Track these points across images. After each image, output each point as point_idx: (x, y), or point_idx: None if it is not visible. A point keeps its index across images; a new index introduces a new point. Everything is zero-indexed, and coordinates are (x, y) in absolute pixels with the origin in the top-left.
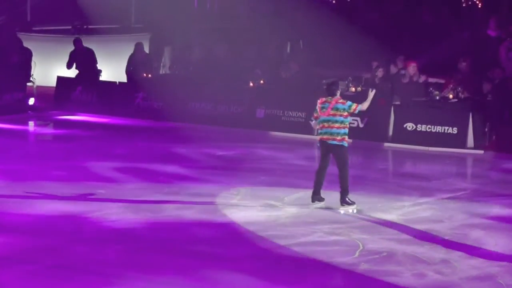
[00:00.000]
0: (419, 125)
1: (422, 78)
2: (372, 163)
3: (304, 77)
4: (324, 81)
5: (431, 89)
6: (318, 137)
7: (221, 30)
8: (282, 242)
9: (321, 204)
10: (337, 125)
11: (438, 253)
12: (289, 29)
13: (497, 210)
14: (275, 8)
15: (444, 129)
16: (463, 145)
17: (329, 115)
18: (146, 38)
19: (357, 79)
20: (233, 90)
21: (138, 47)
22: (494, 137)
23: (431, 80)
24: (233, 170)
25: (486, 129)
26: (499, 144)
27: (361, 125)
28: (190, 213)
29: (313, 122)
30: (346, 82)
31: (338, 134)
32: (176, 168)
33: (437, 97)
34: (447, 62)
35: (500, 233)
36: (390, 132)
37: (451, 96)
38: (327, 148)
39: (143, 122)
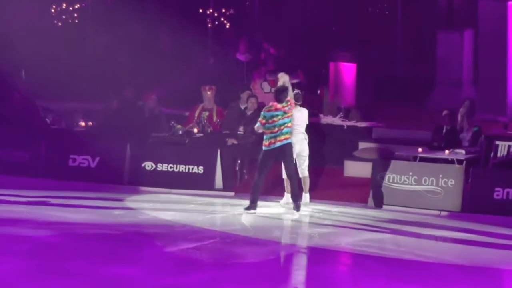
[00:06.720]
0: (159, 164)
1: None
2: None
3: (27, 110)
4: None
5: (173, 122)
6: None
7: None
8: None
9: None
10: None
11: None
12: (9, 58)
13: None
14: None
15: (189, 169)
16: (210, 186)
17: None
18: None
19: (89, 112)
20: None
21: None
22: (246, 177)
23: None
24: None
25: (237, 168)
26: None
27: (92, 165)
28: None
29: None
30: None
31: None
32: None
33: (180, 132)
34: (192, 92)
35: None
36: (127, 173)
37: (196, 130)
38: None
39: None
